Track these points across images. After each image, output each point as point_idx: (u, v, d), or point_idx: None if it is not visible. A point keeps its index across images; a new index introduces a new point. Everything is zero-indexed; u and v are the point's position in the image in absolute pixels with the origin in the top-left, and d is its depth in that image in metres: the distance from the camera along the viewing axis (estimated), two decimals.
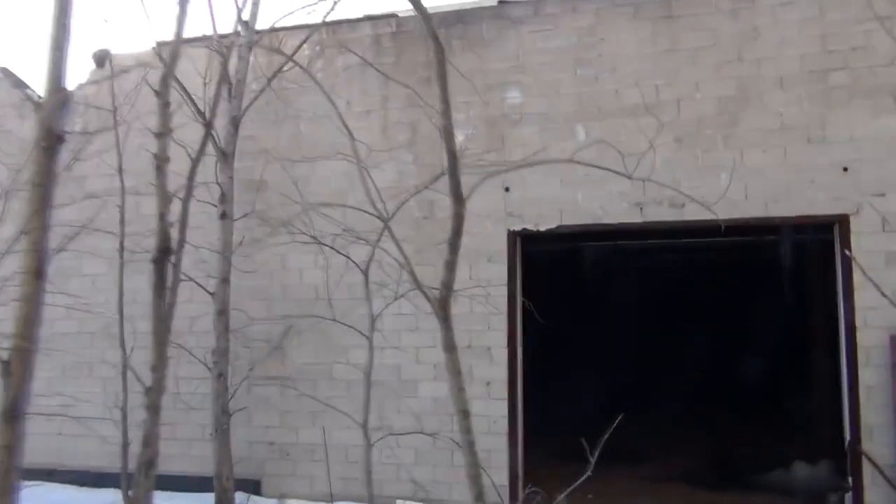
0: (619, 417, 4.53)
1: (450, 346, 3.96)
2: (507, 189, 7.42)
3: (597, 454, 4.20)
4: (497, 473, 7.16)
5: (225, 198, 7.34)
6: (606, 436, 4.35)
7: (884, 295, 5.44)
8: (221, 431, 7.22)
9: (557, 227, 7.29)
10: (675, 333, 13.32)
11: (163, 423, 8.06)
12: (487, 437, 7.25)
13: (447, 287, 3.97)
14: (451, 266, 3.99)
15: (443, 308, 3.98)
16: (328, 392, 7.69)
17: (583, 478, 3.71)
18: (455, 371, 3.94)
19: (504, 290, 7.36)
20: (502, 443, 7.23)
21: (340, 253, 6.35)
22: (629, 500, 8.13)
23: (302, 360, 7.78)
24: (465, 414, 3.91)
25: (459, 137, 7.53)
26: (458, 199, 4.07)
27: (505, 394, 7.28)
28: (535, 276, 8.20)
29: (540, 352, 8.38)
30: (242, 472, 7.61)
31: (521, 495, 7.26)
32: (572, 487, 3.69)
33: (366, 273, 5.64)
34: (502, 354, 7.30)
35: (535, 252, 8.40)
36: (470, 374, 7.36)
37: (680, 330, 13.31)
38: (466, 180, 7.59)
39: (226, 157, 7.31)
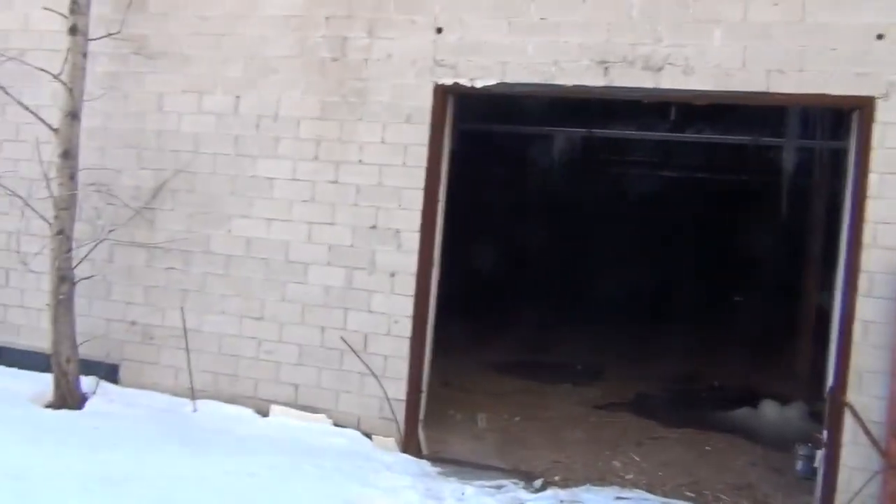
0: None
1: None
2: (438, 30, 5.74)
3: None
4: (394, 385, 5.85)
5: (77, 7, 5.72)
6: None
7: None
8: (59, 303, 5.86)
9: (497, 85, 5.64)
10: (640, 241, 11.50)
11: (9, 287, 6.91)
12: (386, 339, 5.87)
13: None
14: None
15: None
16: (203, 268, 6.27)
17: None
18: None
19: (423, 161, 5.80)
20: (404, 348, 5.84)
21: None
22: (561, 428, 6.83)
23: (175, 226, 6.31)
24: None
25: None
26: None
27: (412, 289, 5.82)
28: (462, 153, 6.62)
29: (459, 242, 6.78)
30: (97, 354, 6.30)
31: (420, 414, 5.93)
32: None
33: None
34: (413, 240, 5.81)
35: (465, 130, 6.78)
36: (372, 261, 5.91)
37: (646, 237, 11.50)
38: (390, 17, 6.03)
39: None
